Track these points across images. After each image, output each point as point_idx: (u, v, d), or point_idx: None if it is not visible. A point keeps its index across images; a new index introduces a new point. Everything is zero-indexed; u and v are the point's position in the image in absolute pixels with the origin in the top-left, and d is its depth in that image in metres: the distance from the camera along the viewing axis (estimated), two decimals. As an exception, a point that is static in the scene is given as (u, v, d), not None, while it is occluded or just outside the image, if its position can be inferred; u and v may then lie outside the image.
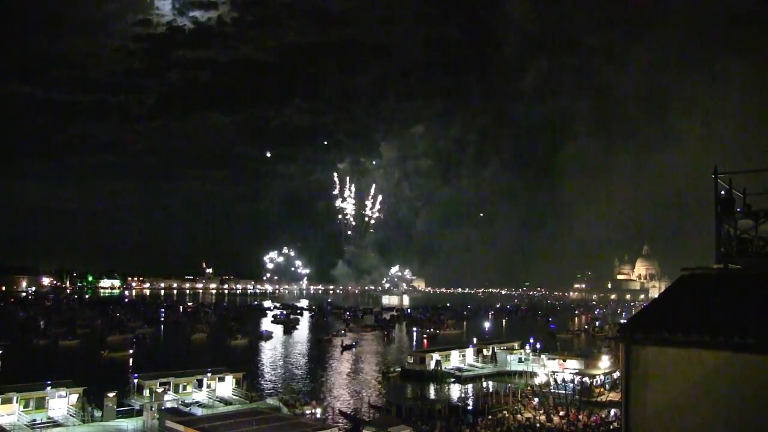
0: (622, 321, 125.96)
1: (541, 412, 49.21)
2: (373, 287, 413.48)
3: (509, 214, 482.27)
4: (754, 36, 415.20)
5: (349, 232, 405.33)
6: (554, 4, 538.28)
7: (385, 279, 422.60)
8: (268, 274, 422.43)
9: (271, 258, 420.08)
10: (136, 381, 52.45)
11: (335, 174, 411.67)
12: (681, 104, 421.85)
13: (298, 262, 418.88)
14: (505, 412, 49.49)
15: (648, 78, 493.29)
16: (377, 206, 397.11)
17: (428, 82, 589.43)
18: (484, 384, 71.11)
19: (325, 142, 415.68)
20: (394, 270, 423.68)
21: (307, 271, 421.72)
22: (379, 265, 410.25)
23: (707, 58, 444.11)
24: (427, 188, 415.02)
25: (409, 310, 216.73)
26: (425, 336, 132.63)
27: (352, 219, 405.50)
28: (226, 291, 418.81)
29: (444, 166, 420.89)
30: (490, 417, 47.62)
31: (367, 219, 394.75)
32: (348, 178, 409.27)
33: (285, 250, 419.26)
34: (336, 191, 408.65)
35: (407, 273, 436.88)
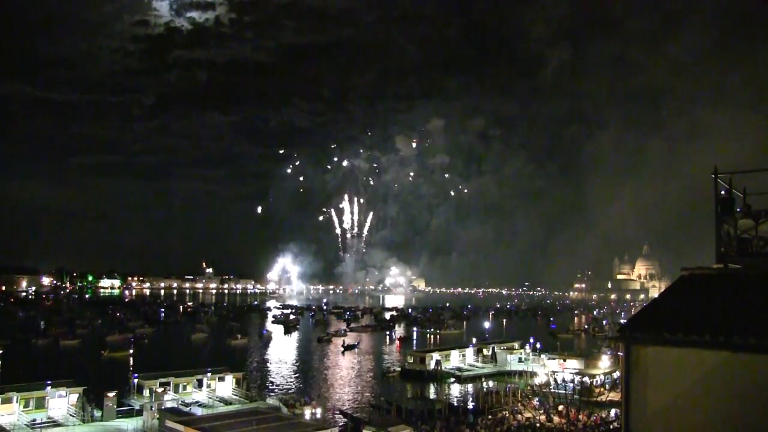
0: (622, 321, 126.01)
1: (541, 412, 49.20)
2: (373, 287, 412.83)
3: (524, 212, 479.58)
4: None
5: (355, 231, 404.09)
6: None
7: (386, 278, 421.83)
8: (269, 274, 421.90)
9: (272, 258, 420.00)
10: (136, 381, 52.48)
11: (341, 171, 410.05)
12: (710, 100, 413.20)
13: (296, 263, 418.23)
14: (505, 412, 49.48)
15: (677, 71, 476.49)
16: (389, 203, 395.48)
17: (441, 78, 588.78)
18: (484, 384, 71.12)
19: (333, 144, 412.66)
20: (395, 269, 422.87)
21: (308, 271, 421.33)
22: (388, 262, 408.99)
23: (744, 55, 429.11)
24: (443, 185, 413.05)
25: (409, 310, 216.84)
26: (398, 338, 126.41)
27: (358, 216, 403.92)
28: (226, 291, 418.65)
29: (463, 162, 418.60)
30: (490, 417, 47.63)
31: (376, 216, 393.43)
32: (357, 175, 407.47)
33: (285, 250, 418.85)
34: (342, 188, 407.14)
35: (408, 273, 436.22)
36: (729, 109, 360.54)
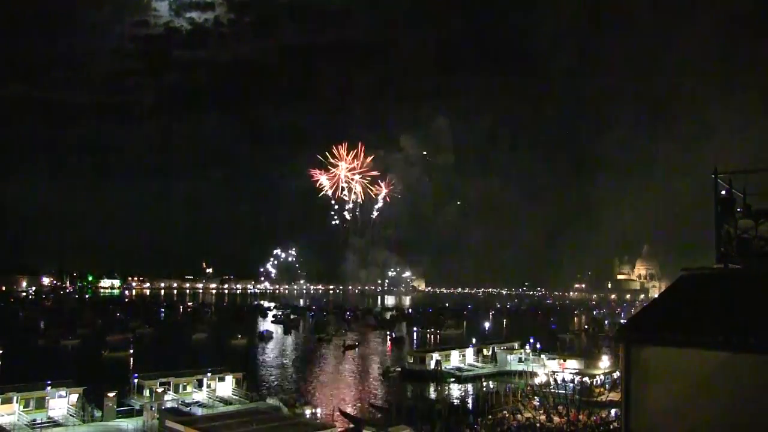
0: (622, 321, 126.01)
1: (541, 412, 49.21)
2: (373, 287, 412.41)
3: (527, 212, 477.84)
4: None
5: (358, 230, 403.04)
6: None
7: (387, 278, 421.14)
8: (272, 271, 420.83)
9: (272, 258, 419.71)
10: (136, 381, 52.50)
11: (343, 171, 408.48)
12: (718, 99, 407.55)
13: (299, 263, 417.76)
14: (505, 412, 49.48)
15: (685, 70, 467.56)
16: (392, 202, 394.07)
17: (446, 77, 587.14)
18: (484, 384, 71.12)
19: (335, 144, 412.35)
20: (397, 269, 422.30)
21: (310, 270, 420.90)
22: (390, 262, 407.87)
23: (754, 54, 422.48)
24: (448, 184, 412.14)
25: (409, 310, 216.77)
26: (390, 339, 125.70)
27: (361, 216, 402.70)
28: (226, 291, 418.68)
29: (469, 162, 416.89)
30: (490, 417, 47.64)
31: (377, 215, 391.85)
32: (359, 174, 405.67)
33: (285, 250, 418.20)
34: (345, 187, 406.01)
35: (407, 273, 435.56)
36: (736, 109, 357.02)
